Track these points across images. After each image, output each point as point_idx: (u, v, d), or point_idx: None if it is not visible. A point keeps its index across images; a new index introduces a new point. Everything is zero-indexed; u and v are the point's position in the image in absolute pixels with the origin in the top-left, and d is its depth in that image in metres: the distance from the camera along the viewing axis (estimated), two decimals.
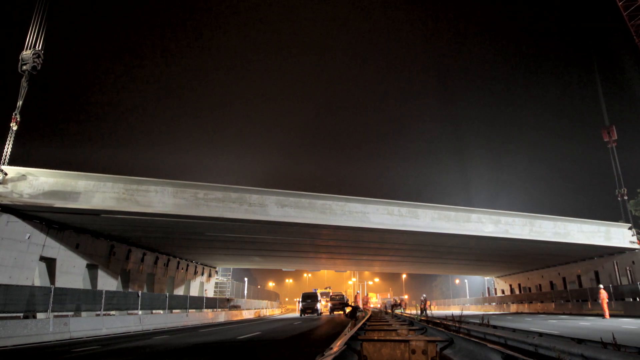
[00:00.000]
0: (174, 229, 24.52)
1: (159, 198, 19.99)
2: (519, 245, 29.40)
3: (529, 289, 46.31)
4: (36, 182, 18.17)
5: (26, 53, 18.39)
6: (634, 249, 29.81)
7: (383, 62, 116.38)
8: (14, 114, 17.61)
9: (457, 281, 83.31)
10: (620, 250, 30.54)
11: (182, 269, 37.32)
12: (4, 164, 17.21)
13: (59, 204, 18.34)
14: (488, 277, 62.40)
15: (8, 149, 17.26)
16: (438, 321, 17.57)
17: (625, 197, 33.61)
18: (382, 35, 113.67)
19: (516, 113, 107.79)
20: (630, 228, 30.50)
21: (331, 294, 53.33)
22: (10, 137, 17.34)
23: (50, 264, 21.99)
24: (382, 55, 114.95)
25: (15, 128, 17.49)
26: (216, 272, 47.50)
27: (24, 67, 18.24)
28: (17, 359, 9.93)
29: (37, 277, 21.08)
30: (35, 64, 18.34)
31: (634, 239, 29.82)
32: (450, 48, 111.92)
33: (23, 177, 17.99)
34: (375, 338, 6.55)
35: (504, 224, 26.84)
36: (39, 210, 18.93)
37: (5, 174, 17.48)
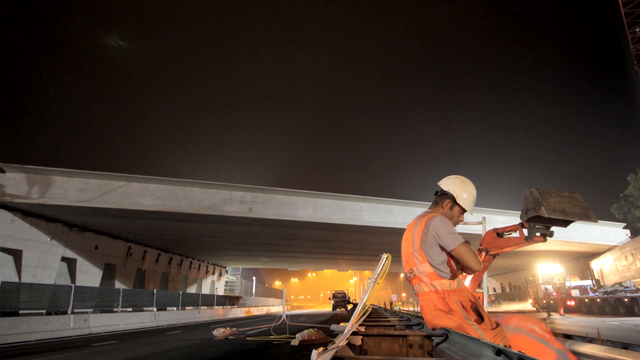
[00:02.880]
0: (187, 231, 24.54)
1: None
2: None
3: (519, 287, 46.06)
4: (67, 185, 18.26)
5: None
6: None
7: (376, 63, 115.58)
8: None
9: None
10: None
11: (195, 268, 37.32)
12: None
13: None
14: None
15: None
16: None
17: None
18: (373, 32, 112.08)
19: (510, 113, 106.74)
20: (625, 227, 30.03)
21: (334, 292, 53.30)
22: None
23: (70, 263, 22.05)
24: (376, 56, 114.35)
25: None
26: (226, 271, 47.51)
27: None
28: (41, 353, 9.93)
29: (59, 276, 21.14)
30: None
31: (628, 238, 29.40)
32: (444, 49, 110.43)
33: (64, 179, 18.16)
34: (375, 333, 6.52)
35: (502, 224, 26.14)
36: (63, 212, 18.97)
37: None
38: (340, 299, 46.12)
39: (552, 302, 30.59)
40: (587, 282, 27.70)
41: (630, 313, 21.26)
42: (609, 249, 30.09)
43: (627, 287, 23.58)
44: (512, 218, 26.86)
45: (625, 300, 22.02)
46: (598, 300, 24.39)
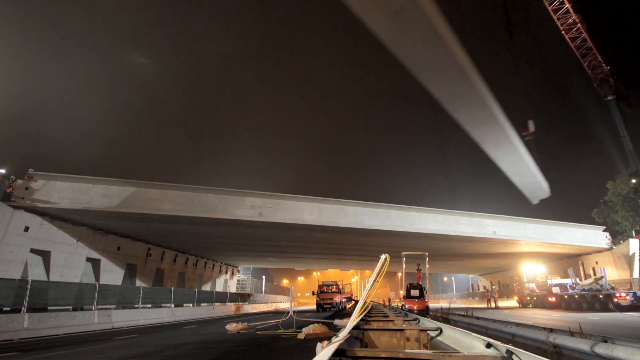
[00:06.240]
0: (201, 234, 24.57)
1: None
2: (505, 244, 28.39)
3: (508, 285, 45.74)
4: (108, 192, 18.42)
5: None
6: (601, 250, 29.29)
7: (377, 85, 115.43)
8: None
9: (445, 279, 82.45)
10: (598, 250, 29.74)
11: (209, 268, 37.33)
12: None
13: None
14: (472, 275, 61.71)
15: None
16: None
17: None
18: (374, 54, 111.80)
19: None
20: (604, 230, 29.91)
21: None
22: None
23: (95, 263, 22.12)
24: (376, 79, 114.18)
25: None
26: (238, 270, 47.45)
27: None
28: (68, 346, 9.96)
29: (84, 275, 21.20)
30: None
31: (607, 240, 29.26)
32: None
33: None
34: (375, 327, 6.53)
35: (492, 226, 26.06)
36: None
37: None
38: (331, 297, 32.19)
39: (535, 298, 30.50)
40: (567, 281, 27.65)
41: (604, 308, 21.41)
42: (590, 250, 30.17)
43: (602, 284, 23.57)
44: (501, 222, 26.80)
45: (600, 296, 22.28)
46: (576, 296, 24.42)
